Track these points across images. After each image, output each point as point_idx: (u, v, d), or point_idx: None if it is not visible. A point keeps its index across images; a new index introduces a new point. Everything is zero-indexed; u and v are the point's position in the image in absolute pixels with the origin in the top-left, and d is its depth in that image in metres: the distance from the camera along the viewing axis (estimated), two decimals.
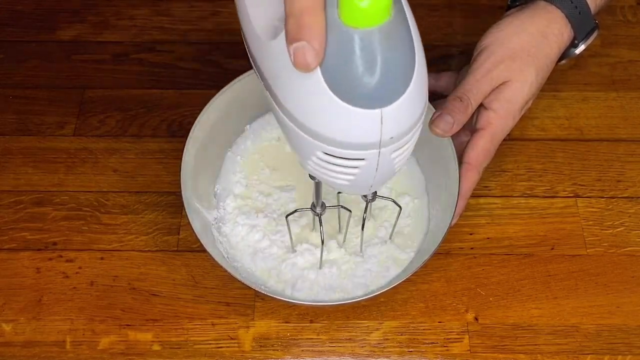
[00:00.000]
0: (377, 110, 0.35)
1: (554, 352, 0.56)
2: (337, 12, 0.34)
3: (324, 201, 0.52)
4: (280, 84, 0.38)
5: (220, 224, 0.60)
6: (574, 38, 0.60)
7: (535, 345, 0.57)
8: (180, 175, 0.55)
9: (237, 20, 0.42)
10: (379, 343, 0.57)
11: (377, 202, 0.59)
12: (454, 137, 0.57)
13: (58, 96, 0.69)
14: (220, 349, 0.56)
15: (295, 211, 0.54)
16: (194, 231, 0.53)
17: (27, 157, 0.65)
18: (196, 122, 0.57)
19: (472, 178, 0.57)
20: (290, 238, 0.57)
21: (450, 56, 0.72)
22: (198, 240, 0.53)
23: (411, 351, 0.56)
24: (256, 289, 0.52)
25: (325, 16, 0.34)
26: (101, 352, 0.56)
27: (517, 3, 0.62)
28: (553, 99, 0.70)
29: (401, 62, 0.35)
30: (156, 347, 0.56)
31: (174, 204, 0.63)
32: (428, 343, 0.57)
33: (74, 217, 0.62)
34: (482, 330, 0.57)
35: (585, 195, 0.64)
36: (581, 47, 0.62)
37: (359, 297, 0.54)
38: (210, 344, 0.56)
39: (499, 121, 0.58)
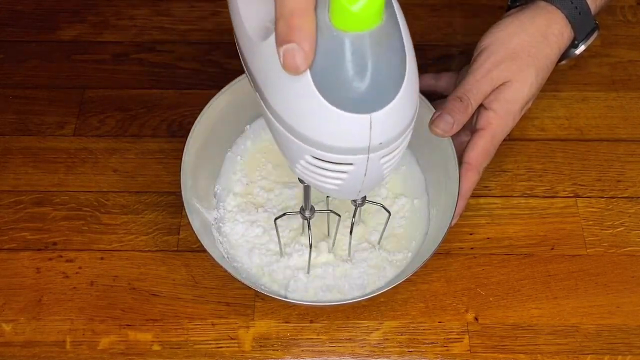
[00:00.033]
0: (367, 115, 0.35)
1: (554, 352, 0.56)
2: (328, 15, 0.33)
3: (313, 205, 0.52)
4: (270, 86, 0.37)
5: (220, 224, 0.60)
6: (574, 38, 0.60)
7: (535, 345, 0.57)
8: (180, 175, 0.55)
9: None
10: (379, 343, 0.57)
11: (370, 207, 0.59)
12: (454, 137, 0.57)
13: (58, 96, 0.69)
14: (220, 349, 0.56)
15: (284, 214, 0.54)
16: (194, 231, 0.53)
17: (27, 157, 0.65)
18: (196, 122, 0.57)
19: (472, 178, 0.57)
20: (279, 242, 0.57)
21: (450, 56, 0.72)
22: (198, 240, 0.53)
23: (411, 351, 0.56)
24: (256, 289, 0.52)
25: (316, 19, 0.33)
26: (101, 352, 0.56)
27: (517, 3, 0.62)
28: (553, 99, 0.70)
29: (392, 68, 0.35)
30: (156, 347, 0.56)
31: (174, 204, 0.63)
32: (428, 343, 0.57)
33: (74, 217, 0.62)
34: (482, 330, 0.57)
35: (585, 195, 0.64)
36: (581, 48, 0.62)
37: (359, 297, 0.54)
38: (210, 344, 0.56)
39: (499, 121, 0.58)
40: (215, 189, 0.62)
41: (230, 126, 0.62)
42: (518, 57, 0.58)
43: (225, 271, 0.53)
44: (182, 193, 0.55)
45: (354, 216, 0.53)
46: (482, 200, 0.63)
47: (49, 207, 0.62)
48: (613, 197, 0.64)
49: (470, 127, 0.59)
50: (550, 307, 0.58)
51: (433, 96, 0.63)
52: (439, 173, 0.60)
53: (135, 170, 0.65)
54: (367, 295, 0.54)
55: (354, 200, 0.52)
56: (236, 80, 0.58)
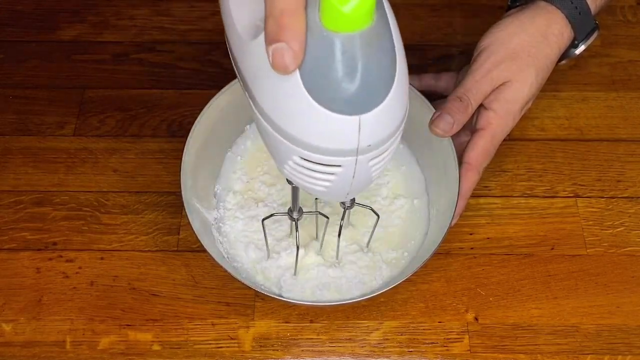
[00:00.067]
0: (355, 117, 0.35)
1: (554, 352, 0.56)
2: (319, 15, 0.33)
3: (301, 206, 0.51)
4: (259, 85, 0.37)
5: (220, 224, 0.60)
6: (574, 38, 0.60)
7: (535, 345, 0.57)
8: (180, 175, 0.55)
9: None
10: (379, 343, 0.57)
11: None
12: (454, 137, 0.57)
13: (58, 96, 0.69)
14: (220, 349, 0.56)
15: (272, 215, 0.54)
16: (194, 231, 0.53)
17: (27, 157, 0.65)
18: (196, 122, 0.57)
19: (472, 178, 0.57)
20: (266, 243, 0.57)
21: (450, 56, 0.72)
22: (198, 240, 0.53)
23: (411, 351, 0.56)
24: (256, 289, 0.52)
25: (306, 18, 0.33)
26: (101, 352, 0.56)
27: (517, 3, 0.62)
28: (553, 99, 0.70)
29: (382, 70, 0.35)
30: (156, 347, 0.56)
31: (174, 204, 0.63)
32: (428, 343, 0.57)
33: (74, 217, 0.62)
34: (482, 330, 0.57)
35: (585, 195, 0.64)
36: (581, 48, 0.62)
37: (359, 297, 0.54)
38: (210, 344, 0.56)
39: (499, 121, 0.58)
40: (215, 189, 0.62)
41: (230, 126, 0.62)
42: (518, 57, 0.58)
43: (225, 271, 0.53)
44: (182, 193, 0.55)
45: (342, 218, 0.53)
46: (482, 200, 0.63)
47: (49, 207, 0.62)
48: (613, 197, 0.64)
49: (470, 127, 0.59)
50: (550, 307, 0.58)
51: (433, 96, 0.63)
52: (439, 173, 0.59)
53: (135, 170, 0.65)
54: (367, 295, 0.54)
55: (343, 203, 0.51)
56: (236, 80, 0.58)
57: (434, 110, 0.57)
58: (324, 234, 0.56)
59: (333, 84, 0.34)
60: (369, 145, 0.37)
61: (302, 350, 0.56)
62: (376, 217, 0.55)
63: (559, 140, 0.67)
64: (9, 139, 0.66)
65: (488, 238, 0.62)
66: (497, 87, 0.58)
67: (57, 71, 0.71)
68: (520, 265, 0.60)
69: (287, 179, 0.42)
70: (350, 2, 0.32)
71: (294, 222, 0.52)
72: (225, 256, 0.58)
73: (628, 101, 0.70)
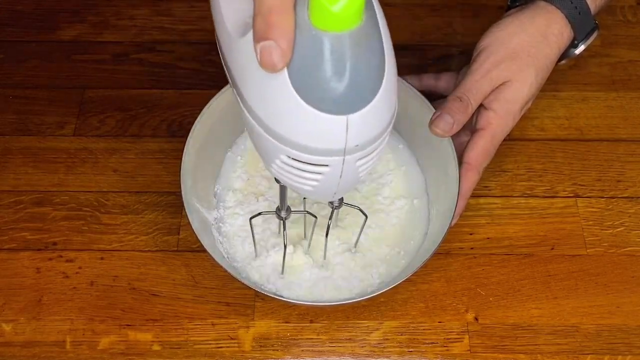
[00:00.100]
0: (343, 117, 0.35)
1: (554, 352, 0.56)
2: (308, 13, 0.33)
3: (289, 205, 0.51)
4: (247, 83, 0.37)
5: (220, 223, 0.60)
6: (574, 38, 0.60)
7: (535, 345, 0.57)
8: (180, 175, 0.55)
9: None
10: (379, 343, 0.57)
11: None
12: (454, 137, 0.57)
13: (58, 96, 0.69)
14: (220, 349, 0.56)
15: (260, 214, 0.54)
16: (194, 231, 0.53)
17: (27, 157, 0.65)
18: (196, 122, 0.57)
19: (472, 178, 0.57)
20: (254, 241, 0.57)
21: (450, 56, 0.72)
22: (198, 240, 0.53)
23: (411, 351, 0.56)
24: (256, 289, 0.52)
25: (295, 17, 0.33)
26: (101, 352, 0.56)
27: (517, 3, 0.62)
28: (553, 99, 0.70)
29: (370, 70, 0.35)
30: (156, 347, 0.56)
31: (174, 204, 0.63)
32: (428, 343, 0.57)
33: (74, 217, 0.62)
34: (482, 330, 0.57)
35: (585, 195, 0.64)
36: (581, 48, 0.62)
37: (360, 297, 0.54)
38: (210, 344, 0.56)
39: (499, 121, 0.58)
40: (215, 189, 0.62)
41: (230, 126, 0.62)
42: (518, 57, 0.58)
43: (225, 271, 0.53)
44: (182, 193, 0.55)
45: (330, 218, 0.53)
46: (482, 200, 0.63)
47: (49, 207, 0.62)
48: (613, 197, 0.64)
49: (470, 127, 0.59)
50: (550, 307, 0.58)
51: (433, 96, 0.63)
52: (439, 173, 0.60)
53: (135, 170, 0.65)
54: (367, 295, 0.54)
55: (331, 202, 0.51)
56: None
57: (434, 110, 0.57)
58: (312, 234, 0.56)
59: (321, 83, 0.34)
60: (357, 145, 0.37)
61: (302, 350, 0.56)
62: (364, 217, 0.55)
63: (559, 140, 0.67)
64: (9, 139, 0.66)
65: (488, 238, 0.62)
66: (497, 87, 0.58)
67: (57, 71, 0.71)
68: (520, 265, 0.60)
69: (275, 178, 0.42)
70: (340, 1, 0.31)
71: (281, 222, 0.52)
72: (225, 256, 0.58)
73: (628, 101, 0.70)
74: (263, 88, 0.36)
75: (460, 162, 0.57)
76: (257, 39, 0.33)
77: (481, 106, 0.58)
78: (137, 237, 0.61)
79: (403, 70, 0.60)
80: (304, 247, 0.58)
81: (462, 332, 0.57)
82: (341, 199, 0.51)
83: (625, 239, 0.62)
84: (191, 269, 0.60)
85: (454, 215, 0.55)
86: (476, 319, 0.58)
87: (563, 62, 0.63)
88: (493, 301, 0.59)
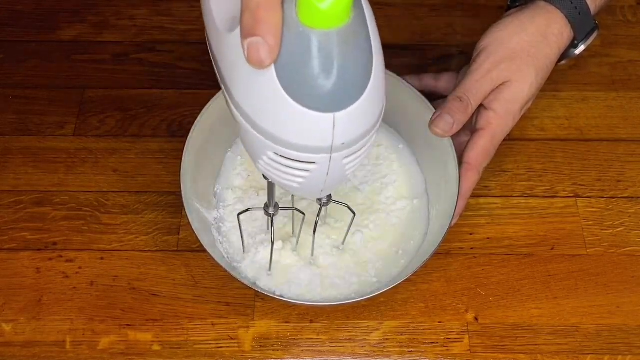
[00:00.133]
0: (330, 115, 0.35)
1: (554, 352, 0.56)
2: (295, 10, 0.33)
3: (277, 202, 0.51)
4: (235, 79, 0.37)
5: (220, 223, 0.60)
6: (574, 38, 0.60)
7: (535, 345, 0.57)
8: (180, 175, 0.55)
9: None
10: (379, 343, 0.57)
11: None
12: (454, 137, 0.57)
13: (58, 96, 0.69)
14: (220, 349, 0.56)
15: (248, 210, 0.54)
16: (194, 231, 0.53)
17: (27, 157, 0.65)
18: (196, 122, 0.57)
19: (472, 178, 0.57)
20: (242, 238, 0.57)
21: (450, 56, 0.72)
22: (198, 240, 0.53)
23: (411, 351, 0.56)
24: (256, 289, 0.52)
25: (283, 13, 0.33)
26: (101, 352, 0.56)
27: (517, 3, 0.62)
28: (553, 99, 0.70)
29: (358, 68, 0.35)
30: (156, 347, 0.56)
31: (174, 204, 0.63)
32: (428, 343, 0.57)
33: (74, 217, 0.62)
34: (482, 330, 0.57)
35: (585, 195, 0.64)
36: (581, 48, 0.62)
37: (360, 297, 0.54)
38: (210, 344, 0.56)
39: (498, 121, 0.58)
40: (215, 189, 0.62)
41: (230, 126, 0.61)
42: (518, 57, 0.58)
43: (225, 271, 0.53)
44: (182, 193, 0.55)
45: (318, 215, 0.53)
46: (482, 200, 0.63)
47: (49, 207, 0.62)
48: (613, 197, 0.64)
49: (470, 127, 0.59)
50: (550, 307, 0.58)
51: (433, 96, 0.63)
52: (439, 173, 0.60)
53: (135, 170, 0.65)
54: (367, 295, 0.54)
55: (319, 199, 0.51)
56: None
57: (434, 110, 0.57)
58: (300, 230, 0.56)
59: (308, 81, 0.34)
60: (344, 143, 0.37)
61: (302, 350, 0.56)
62: (352, 215, 0.55)
63: (559, 140, 0.67)
64: (9, 139, 0.66)
65: (488, 238, 0.62)
66: (497, 87, 0.58)
67: (57, 71, 0.71)
68: (520, 265, 0.60)
69: (263, 175, 0.42)
70: None
71: (269, 218, 0.52)
72: (225, 256, 0.58)
73: (628, 101, 0.70)
74: (250, 84, 0.36)
75: (460, 162, 0.57)
76: (244, 35, 0.33)
77: (481, 106, 0.58)
78: (137, 237, 0.61)
79: (403, 70, 0.61)
80: (292, 244, 0.58)
81: (462, 332, 0.57)
82: (329, 196, 0.51)
83: (625, 239, 0.62)
84: (191, 269, 0.60)
85: (454, 215, 0.55)
86: (476, 319, 0.58)
87: (563, 62, 0.63)
88: (493, 301, 0.59)
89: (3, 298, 0.58)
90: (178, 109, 0.68)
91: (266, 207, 0.51)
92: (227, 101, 0.39)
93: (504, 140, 0.59)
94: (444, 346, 0.57)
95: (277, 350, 0.56)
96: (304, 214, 0.54)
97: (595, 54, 0.72)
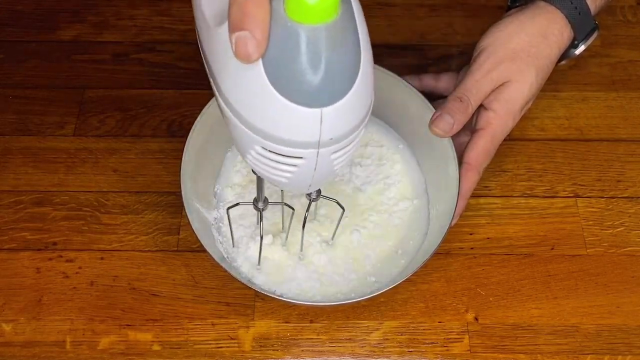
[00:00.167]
0: (317, 110, 0.35)
1: (554, 352, 0.56)
2: (283, 5, 0.33)
3: (266, 197, 0.51)
4: (223, 73, 0.37)
5: (220, 224, 0.60)
6: (574, 38, 0.60)
7: (535, 345, 0.57)
8: (180, 175, 0.55)
9: None
10: (379, 343, 0.57)
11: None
12: (454, 137, 0.57)
13: (58, 96, 0.69)
14: (220, 349, 0.56)
15: (237, 204, 0.54)
16: (194, 231, 0.53)
17: (27, 157, 0.65)
18: (196, 122, 0.57)
19: (472, 178, 0.57)
20: (231, 232, 0.57)
21: (450, 56, 0.72)
22: (198, 240, 0.53)
23: (411, 351, 0.56)
24: (256, 289, 0.52)
25: (271, 8, 0.33)
26: (101, 352, 0.56)
27: (517, 3, 0.62)
28: (553, 99, 0.70)
29: (345, 64, 0.35)
30: (156, 347, 0.56)
31: (174, 204, 0.63)
32: (428, 343, 0.57)
33: (74, 217, 0.62)
34: (482, 330, 0.57)
35: (585, 195, 0.64)
36: (581, 48, 0.62)
37: (360, 297, 0.54)
38: (210, 344, 0.56)
39: (499, 121, 0.58)
40: (215, 189, 0.62)
41: None
42: (518, 57, 0.58)
43: (225, 271, 0.53)
44: (182, 193, 0.55)
45: (307, 210, 0.53)
46: (482, 200, 0.63)
47: (49, 207, 0.62)
48: (613, 197, 0.64)
49: (470, 127, 0.59)
50: (550, 307, 0.58)
51: (433, 96, 0.63)
52: (439, 173, 0.60)
53: (135, 170, 0.65)
54: (367, 295, 0.54)
55: (309, 195, 0.51)
56: None
57: (434, 110, 0.57)
58: (289, 225, 0.56)
59: (296, 76, 0.34)
60: (331, 139, 0.37)
61: (302, 350, 0.56)
62: (342, 210, 0.55)
63: (559, 140, 0.67)
64: (9, 139, 0.66)
65: (488, 238, 0.62)
66: (497, 87, 0.58)
67: (57, 71, 0.71)
68: (520, 265, 0.60)
69: (252, 169, 0.43)
70: None
71: (258, 212, 0.52)
72: (225, 256, 0.58)
73: (628, 101, 0.70)
74: (238, 79, 0.36)
75: (460, 162, 0.57)
76: (232, 29, 0.33)
77: (481, 106, 0.58)
78: (137, 237, 0.61)
79: (403, 70, 0.61)
80: (282, 240, 0.58)
81: (462, 332, 0.57)
82: (319, 191, 0.51)
83: (625, 239, 0.62)
84: (191, 269, 0.60)
85: (454, 215, 0.55)
86: (476, 319, 0.58)
87: (563, 62, 0.63)
88: (493, 301, 0.59)
89: (3, 298, 0.58)
90: (178, 109, 0.68)
91: (255, 202, 0.51)
92: (215, 95, 0.39)
93: (504, 140, 0.59)
94: (444, 346, 0.57)
95: (277, 350, 0.56)
96: (293, 208, 0.54)
97: (595, 54, 0.72)
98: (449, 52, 0.73)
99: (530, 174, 0.65)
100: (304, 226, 0.54)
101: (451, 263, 0.60)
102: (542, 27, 0.58)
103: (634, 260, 0.61)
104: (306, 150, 0.37)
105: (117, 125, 0.67)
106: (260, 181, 0.49)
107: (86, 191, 0.63)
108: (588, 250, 0.61)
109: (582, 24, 0.59)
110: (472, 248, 0.61)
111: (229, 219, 0.55)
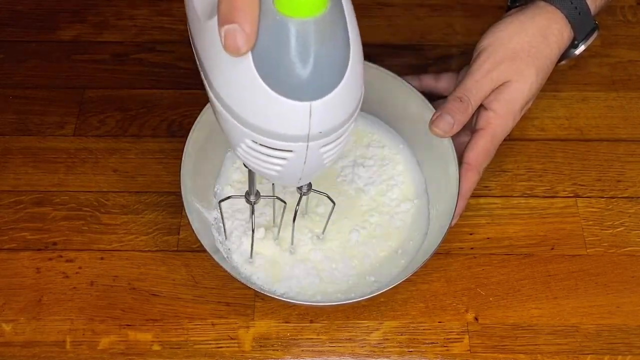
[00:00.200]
0: (306, 103, 0.35)
1: (554, 352, 0.56)
2: None
3: (258, 190, 0.51)
4: (213, 67, 0.37)
5: (220, 223, 0.60)
6: (574, 38, 0.60)
7: (535, 345, 0.57)
8: (180, 175, 0.55)
9: None
10: (379, 343, 0.57)
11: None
12: (454, 137, 0.57)
13: (58, 96, 0.69)
14: (220, 349, 0.56)
15: (229, 197, 0.54)
16: (194, 231, 0.53)
17: (27, 157, 0.65)
18: (196, 122, 0.57)
19: (472, 178, 0.57)
20: (223, 225, 0.57)
21: (450, 56, 0.72)
22: (198, 240, 0.53)
23: (411, 351, 0.56)
24: (256, 289, 0.52)
25: (260, 1, 0.33)
26: (101, 352, 0.56)
27: (517, 3, 0.62)
28: (553, 99, 0.70)
29: (335, 57, 0.35)
30: (156, 347, 0.56)
31: (174, 204, 0.63)
32: (428, 343, 0.57)
33: (74, 217, 0.62)
34: (482, 330, 0.57)
35: (585, 195, 0.64)
36: (581, 48, 0.62)
37: (360, 297, 0.54)
38: (210, 344, 0.56)
39: (499, 121, 0.58)
40: (215, 189, 0.62)
41: None
42: (518, 57, 0.58)
43: (225, 271, 0.53)
44: (182, 193, 0.55)
45: (297, 204, 0.53)
46: (482, 200, 0.63)
47: (49, 207, 0.62)
48: (613, 197, 0.64)
49: (470, 127, 0.59)
50: (550, 307, 0.58)
51: (433, 96, 0.63)
52: (439, 173, 0.60)
53: (135, 170, 0.65)
54: (367, 295, 0.54)
55: (299, 188, 0.52)
56: None
57: (434, 111, 0.57)
58: (281, 219, 0.56)
59: (285, 69, 0.34)
60: (320, 132, 0.37)
61: (302, 350, 0.56)
62: (332, 204, 0.55)
63: (559, 140, 0.67)
64: (9, 139, 0.66)
65: (488, 238, 0.62)
66: (497, 87, 0.58)
67: (57, 71, 0.71)
68: (520, 265, 0.60)
69: (243, 163, 0.43)
70: None
71: (250, 206, 0.52)
72: (225, 256, 0.58)
73: (628, 101, 0.70)
74: (228, 72, 0.36)
75: (460, 162, 0.57)
76: (221, 22, 0.33)
77: (481, 106, 0.58)
78: (137, 237, 0.61)
79: (403, 70, 0.61)
80: (274, 234, 0.58)
81: (462, 332, 0.57)
82: (309, 185, 0.51)
83: (625, 239, 0.62)
84: (191, 269, 0.60)
85: (454, 215, 0.55)
86: (476, 319, 0.58)
87: (563, 62, 0.63)
88: (493, 301, 0.59)
89: (3, 298, 0.58)
90: (178, 109, 0.68)
91: (247, 195, 0.51)
92: (206, 90, 0.39)
93: (504, 140, 0.59)
94: (444, 346, 0.57)
95: (277, 350, 0.56)
96: (285, 202, 0.54)
97: (595, 54, 0.72)
98: (449, 52, 0.73)
99: (530, 174, 0.65)
100: (294, 220, 0.54)
101: (451, 263, 0.60)
102: (542, 27, 0.58)
103: (634, 260, 0.61)
104: (296, 143, 0.37)
105: (117, 125, 0.67)
106: (251, 174, 0.49)
107: (86, 191, 0.63)
108: (588, 250, 0.61)
109: (582, 24, 0.59)
110: (472, 248, 0.61)
111: (220, 211, 0.55)
